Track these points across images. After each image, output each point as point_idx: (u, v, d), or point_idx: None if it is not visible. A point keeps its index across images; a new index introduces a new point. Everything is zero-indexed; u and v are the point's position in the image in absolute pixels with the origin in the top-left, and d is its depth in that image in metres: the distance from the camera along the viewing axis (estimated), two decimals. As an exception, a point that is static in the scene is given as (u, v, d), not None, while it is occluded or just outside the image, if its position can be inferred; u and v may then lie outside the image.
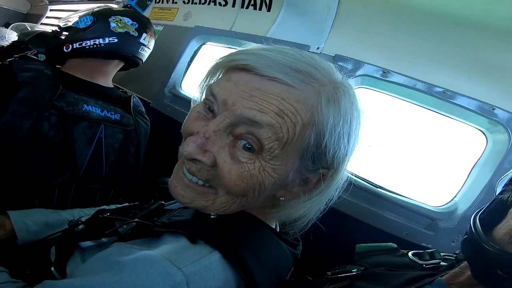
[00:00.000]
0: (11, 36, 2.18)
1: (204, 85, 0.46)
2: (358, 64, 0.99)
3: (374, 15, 0.98)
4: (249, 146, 0.37)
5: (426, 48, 0.92)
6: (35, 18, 2.96)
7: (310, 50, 1.07)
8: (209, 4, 1.45)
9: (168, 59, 1.42)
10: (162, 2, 1.73)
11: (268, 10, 1.23)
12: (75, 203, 0.79)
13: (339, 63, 1.02)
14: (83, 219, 0.54)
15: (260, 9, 1.26)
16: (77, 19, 0.96)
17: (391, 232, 0.91)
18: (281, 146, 0.37)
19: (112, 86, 0.99)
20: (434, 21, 0.90)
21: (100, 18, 0.92)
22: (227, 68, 0.41)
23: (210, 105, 0.40)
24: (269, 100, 0.36)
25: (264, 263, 0.40)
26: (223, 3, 1.39)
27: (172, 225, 0.41)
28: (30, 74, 0.77)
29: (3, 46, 2.04)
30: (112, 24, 0.92)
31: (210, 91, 0.40)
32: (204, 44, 1.42)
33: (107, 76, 0.98)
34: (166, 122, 1.30)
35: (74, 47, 0.90)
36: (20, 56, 0.90)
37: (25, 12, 3.25)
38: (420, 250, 0.63)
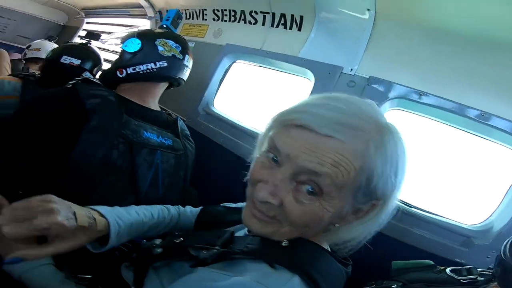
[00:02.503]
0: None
1: (265, 137, 0.53)
2: (392, 86, 1.00)
3: (410, 36, 0.99)
4: (311, 190, 0.45)
5: (462, 70, 0.92)
6: (73, 30, 3.16)
7: (344, 72, 1.10)
8: (239, 22, 1.50)
9: (201, 76, 1.49)
10: (192, 19, 1.80)
11: (299, 29, 1.27)
12: None
13: (373, 85, 1.04)
14: (157, 242, 0.60)
15: (291, 28, 1.29)
16: (121, 40, 0.99)
17: (425, 249, 0.93)
18: (337, 189, 0.45)
19: (159, 109, 1.05)
20: (470, 43, 0.89)
21: (147, 42, 0.95)
22: (284, 124, 0.48)
23: (273, 156, 0.48)
24: (326, 154, 0.43)
25: (331, 284, 0.48)
26: (253, 21, 1.43)
27: (252, 253, 0.48)
28: (98, 101, 0.80)
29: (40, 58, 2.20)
30: (160, 48, 0.95)
31: (274, 145, 0.48)
32: (234, 62, 1.48)
33: (155, 98, 1.03)
34: (199, 139, 1.36)
35: (128, 72, 0.93)
36: (82, 80, 0.93)
37: (63, 24, 3.47)
38: (455, 266, 0.66)
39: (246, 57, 1.42)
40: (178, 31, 1.88)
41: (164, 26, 1.12)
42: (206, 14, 1.69)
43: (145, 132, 0.88)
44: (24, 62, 2.16)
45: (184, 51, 1.02)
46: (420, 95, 0.96)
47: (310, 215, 0.46)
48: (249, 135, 1.30)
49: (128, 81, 0.96)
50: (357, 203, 0.47)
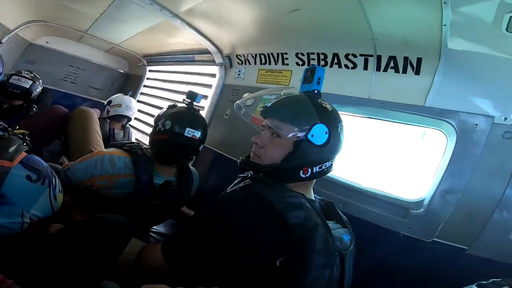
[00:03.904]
0: (135, 105, 2.42)
1: None
2: None
3: None
4: None
5: None
6: (137, 78, 3.32)
7: (495, 122, 0.93)
8: (331, 66, 1.39)
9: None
10: (270, 64, 1.74)
11: (416, 73, 1.11)
12: None
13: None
14: None
15: (404, 72, 1.14)
16: (289, 117, 0.77)
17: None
18: None
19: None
20: None
21: (333, 129, 0.76)
22: None
23: None
24: None
25: None
26: (350, 65, 1.31)
27: None
28: (302, 215, 0.68)
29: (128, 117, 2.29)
30: (342, 136, 0.78)
31: None
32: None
33: None
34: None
35: (314, 171, 0.74)
36: (255, 179, 0.76)
37: (124, 72, 3.65)
38: None
39: (349, 108, 1.29)
40: (255, 78, 1.85)
41: (316, 91, 0.83)
42: (287, 59, 1.62)
43: (342, 235, 0.76)
44: (108, 120, 2.28)
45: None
46: None
47: None
48: (367, 196, 1.17)
49: (305, 179, 0.77)
50: None
